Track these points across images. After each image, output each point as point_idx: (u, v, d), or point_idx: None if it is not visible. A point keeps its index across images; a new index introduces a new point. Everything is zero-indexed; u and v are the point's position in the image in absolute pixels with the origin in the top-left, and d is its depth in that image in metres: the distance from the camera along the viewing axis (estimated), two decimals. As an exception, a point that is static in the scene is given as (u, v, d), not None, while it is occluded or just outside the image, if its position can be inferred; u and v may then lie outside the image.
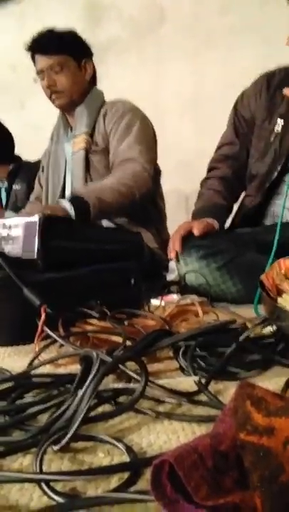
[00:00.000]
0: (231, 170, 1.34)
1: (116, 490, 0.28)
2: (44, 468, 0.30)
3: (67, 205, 1.09)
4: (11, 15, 3.02)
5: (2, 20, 3.06)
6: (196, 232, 1.11)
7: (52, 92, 1.43)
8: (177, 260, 1.13)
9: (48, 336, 0.61)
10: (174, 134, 2.16)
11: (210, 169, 1.39)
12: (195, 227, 1.13)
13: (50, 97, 1.46)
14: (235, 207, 1.39)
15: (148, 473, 0.30)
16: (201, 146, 2.02)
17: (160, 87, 2.33)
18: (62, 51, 1.40)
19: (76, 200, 1.13)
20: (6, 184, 2.02)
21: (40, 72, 1.43)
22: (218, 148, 1.39)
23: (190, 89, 2.24)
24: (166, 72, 2.33)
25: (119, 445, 0.33)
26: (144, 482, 0.30)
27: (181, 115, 2.26)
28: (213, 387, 0.47)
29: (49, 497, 0.27)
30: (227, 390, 0.47)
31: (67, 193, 1.48)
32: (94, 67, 1.50)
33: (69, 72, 1.41)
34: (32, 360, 0.56)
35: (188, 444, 0.26)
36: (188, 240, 1.13)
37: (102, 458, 0.33)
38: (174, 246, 1.13)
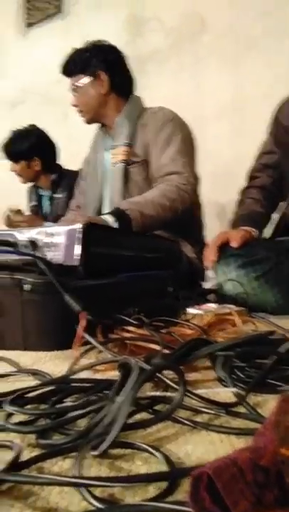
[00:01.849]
0: (271, 179, 1.32)
1: (154, 499, 0.28)
2: (83, 473, 0.31)
3: (109, 219, 1.11)
4: (56, 30, 3.14)
5: (48, 36, 3.19)
6: (234, 244, 1.10)
7: (77, 111, 1.49)
8: (214, 269, 1.12)
9: (87, 342, 0.62)
10: (212, 141, 2.15)
11: (250, 178, 1.38)
12: (232, 237, 1.12)
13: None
14: (275, 216, 1.36)
15: (186, 484, 0.30)
16: (239, 154, 2.00)
17: (199, 94, 2.34)
18: (75, 72, 1.44)
19: (118, 213, 1.14)
20: (48, 193, 2.08)
21: None
22: (258, 157, 1.38)
23: (229, 96, 2.23)
24: (206, 79, 2.33)
25: (157, 454, 0.33)
26: (182, 493, 0.29)
27: (220, 122, 2.25)
28: (252, 399, 0.46)
29: (88, 502, 0.27)
30: (266, 403, 0.46)
31: (106, 203, 1.49)
32: (113, 76, 1.46)
33: (83, 91, 1.45)
34: (72, 366, 0.57)
35: (228, 457, 0.26)
36: (226, 248, 1.12)
37: (139, 466, 0.33)
38: (209, 255, 1.13)
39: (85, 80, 1.45)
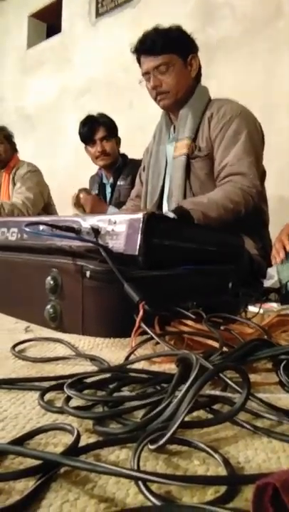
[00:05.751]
0: None
1: (212, 503, 0.27)
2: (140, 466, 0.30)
3: (171, 216, 1.10)
4: (126, 18, 3.15)
5: (119, 24, 3.21)
6: None
7: (157, 93, 1.40)
8: (278, 265, 1.07)
9: (144, 332, 0.62)
10: (283, 133, 2.05)
11: None
12: None
13: (155, 99, 1.43)
14: None
15: (246, 491, 0.29)
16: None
17: (272, 84, 2.24)
18: (167, 50, 1.36)
19: (182, 213, 1.12)
20: (111, 180, 2.11)
21: (145, 74, 1.40)
22: None
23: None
24: (279, 68, 2.22)
25: (216, 455, 0.32)
26: (242, 500, 0.28)
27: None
28: None
29: (145, 497, 0.27)
30: None
31: (166, 195, 1.47)
32: (199, 62, 1.44)
33: (175, 71, 1.37)
34: (129, 355, 0.57)
35: (297, 470, 0.24)
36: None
37: (197, 465, 0.32)
38: (280, 247, 1.08)
39: (179, 61, 1.38)
